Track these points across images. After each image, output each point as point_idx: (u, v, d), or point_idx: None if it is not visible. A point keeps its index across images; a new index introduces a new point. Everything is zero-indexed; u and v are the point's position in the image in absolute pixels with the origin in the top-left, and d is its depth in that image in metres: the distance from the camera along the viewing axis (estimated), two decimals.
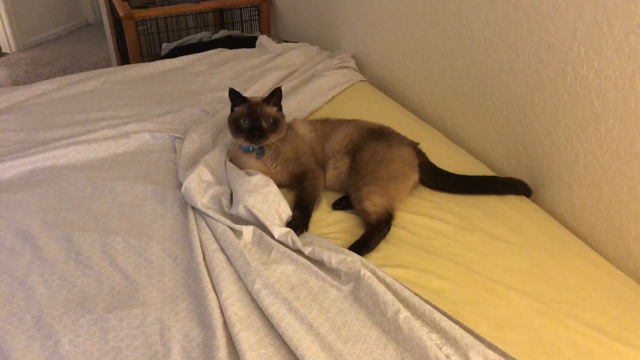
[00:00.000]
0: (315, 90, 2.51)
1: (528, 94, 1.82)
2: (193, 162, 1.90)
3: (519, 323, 1.35)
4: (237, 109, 1.84)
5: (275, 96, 1.83)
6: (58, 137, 2.11)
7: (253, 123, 1.78)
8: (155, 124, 2.19)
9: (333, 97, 2.49)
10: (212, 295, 1.40)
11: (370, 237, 1.60)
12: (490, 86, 1.99)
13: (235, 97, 1.84)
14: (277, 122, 1.81)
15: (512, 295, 1.42)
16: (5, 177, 1.89)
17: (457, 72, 2.15)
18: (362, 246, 1.57)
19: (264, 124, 1.78)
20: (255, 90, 2.47)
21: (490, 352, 1.25)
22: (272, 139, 1.80)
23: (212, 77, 2.70)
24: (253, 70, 2.78)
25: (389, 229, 1.63)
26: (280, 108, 1.86)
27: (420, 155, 1.86)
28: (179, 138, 2.12)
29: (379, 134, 1.85)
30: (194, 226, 1.64)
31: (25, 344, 1.29)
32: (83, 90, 2.58)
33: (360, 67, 2.84)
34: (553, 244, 1.62)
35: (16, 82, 4.87)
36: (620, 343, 1.30)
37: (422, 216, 1.70)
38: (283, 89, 2.49)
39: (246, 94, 2.38)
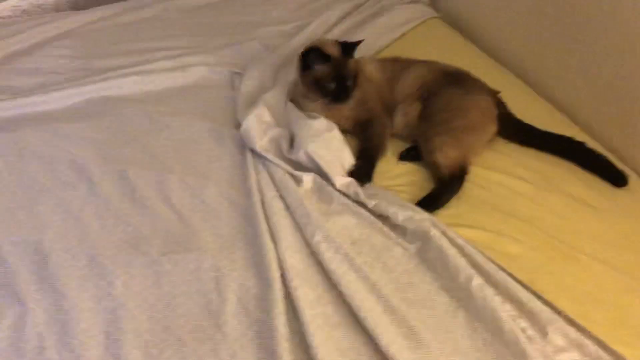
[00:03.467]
0: (383, 26, 2.33)
1: (629, 40, 1.60)
2: (252, 101, 1.79)
3: (603, 299, 1.24)
4: (319, 68, 1.66)
5: (354, 49, 1.69)
6: (115, 66, 2.04)
7: (339, 83, 1.64)
8: (213, 57, 2.09)
9: (402, 35, 2.31)
10: (269, 245, 1.33)
11: (441, 193, 1.49)
12: (583, 29, 1.77)
13: (317, 57, 1.65)
14: (357, 76, 1.68)
15: (597, 267, 1.31)
16: (61, 106, 1.85)
17: (546, 10, 1.92)
18: (431, 202, 1.46)
19: (348, 83, 1.65)
20: (319, 25, 2.32)
21: (571, 330, 1.14)
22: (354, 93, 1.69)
23: (274, 8, 2.56)
24: (316, 2, 2.61)
25: (461, 185, 1.51)
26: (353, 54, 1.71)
27: (500, 105, 1.69)
28: (237, 73, 2.01)
29: (456, 79, 1.69)
30: (252, 170, 1.56)
31: (79, 283, 1.27)
32: (141, 18, 2.49)
33: (434, 2, 2.62)
34: None
35: (75, 6, 4.82)
36: None
37: (498, 173, 1.57)
38: (349, 23, 2.36)
39: (309, 28, 2.27)
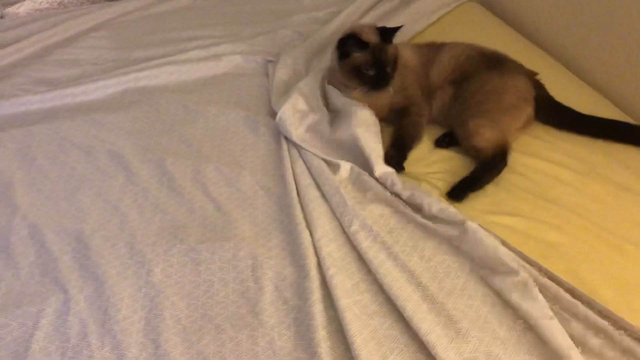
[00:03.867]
0: (418, 11, 2.28)
1: None
2: (286, 89, 1.79)
3: None
4: (358, 56, 1.61)
5: (393, 35, 1.63)
6: (150, 57, 2.06)
7: (379, 70, 1.59)
8: (247, 45, 2.09)
9: (438, 20, 2.26)
10: (305, 233, 1.33)
11: (481, 175, 1.46)
12: (626, 7, 1.70)
13: (356, 43, 1.60)
14: (396, 61, 1.63)
15: None
16: (98, 96, 1.87)
17: None
18: (470, 185, 1.45)
19: (389, 69, 1.60)
20: (352, 10, 2.29)
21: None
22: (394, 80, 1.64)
23: None
24: None
25: (503, 166, 1.48)
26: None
27: (539, 86, 1.64)
28: (271, 61, 2.01)
29: (491, 61, 1.65)
30: (287, 158, 1.56)
31: (119, 270, 1.29)
32: (174, 8, 2.51)
33: None
34: None
35: None
36: None
37: (537, 158, 1.53)
38: (384, 8, 2.32)
39: (343, 14, 2.25)
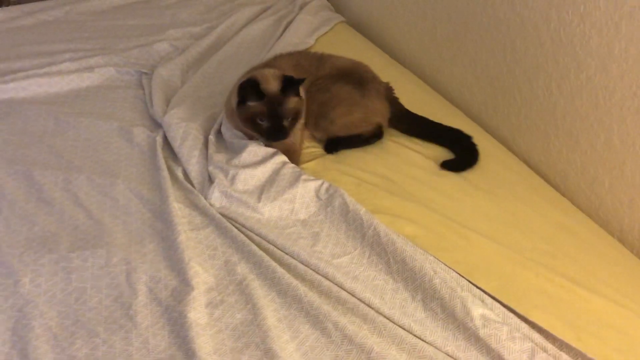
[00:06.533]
0: (295, 38, 2.33)
1: (510, 39, 1.76)
2: (164, 99, 1.83)
3: (490, 270, 1.34)
4: (253, 105, 1.52)
5: (294, 88, 1.54)
6: (17, 69, 2.00)
7: (274, 123, 1.52)
8: (121, 57, 2.10)
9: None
10: (181, 238, 1.36)
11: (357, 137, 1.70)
12: (471, 30, 1.92)
13: (253, 92, 1.51)
14: (298, 114, 1.57)
15: (485, 243, 1.41)
16: None
17: (438, 14, 2.07)
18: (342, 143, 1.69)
19: (285, 123, 1.53)
20: (228, 26, 2.38)
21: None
22: (294, 131, 1.60)
23: (182, 10, 2.58)
24: (225, 5, 2.65)
25: (377, 138, 1.73)
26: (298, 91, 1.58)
27: (394, 102, 1.79)
28: (145, 74, 2.03)
29: (357, 79, 1.75)
30: (163, 166, 1.58)
31: None
32: (44, 20, 2.45)
33: (337, 6, 2.73)
34: (527, 192, 1.60)
35: None
36: (588, 291, 1.31)
37: (395, 160, 1.67)
38: (262, 25, 2.40)
39: (218, 30, 2.31)
